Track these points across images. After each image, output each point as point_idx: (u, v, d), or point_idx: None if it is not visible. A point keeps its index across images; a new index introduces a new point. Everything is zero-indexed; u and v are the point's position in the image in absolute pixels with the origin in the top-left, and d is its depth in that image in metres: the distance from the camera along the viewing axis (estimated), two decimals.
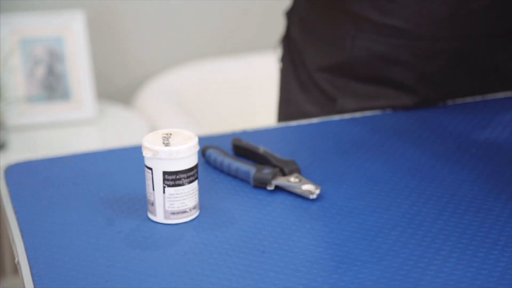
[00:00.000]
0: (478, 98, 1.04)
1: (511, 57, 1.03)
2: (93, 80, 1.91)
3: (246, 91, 2.06)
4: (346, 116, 1.02)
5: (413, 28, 0.98)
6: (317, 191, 0.81)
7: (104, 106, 1.92)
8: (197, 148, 0.79)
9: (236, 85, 2.05)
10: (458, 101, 1.04)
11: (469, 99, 1.04)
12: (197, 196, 0.79)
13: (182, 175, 0.77)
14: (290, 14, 1.13)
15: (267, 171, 0.84)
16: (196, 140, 0.79)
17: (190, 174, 0.78)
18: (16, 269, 0.75)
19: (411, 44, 1.00)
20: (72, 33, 1.84)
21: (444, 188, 0.82)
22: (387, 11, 0.98)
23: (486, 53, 1.01)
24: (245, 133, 0.97)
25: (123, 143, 1.71)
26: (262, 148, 0.89)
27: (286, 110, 1.13)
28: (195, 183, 0.79)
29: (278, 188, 0.83)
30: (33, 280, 0.69)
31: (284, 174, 0.85)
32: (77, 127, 1.84)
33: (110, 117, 1.88)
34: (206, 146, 0.91)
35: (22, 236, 0.76)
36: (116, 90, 2.05)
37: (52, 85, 1.85)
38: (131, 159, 0.90)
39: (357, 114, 1.02)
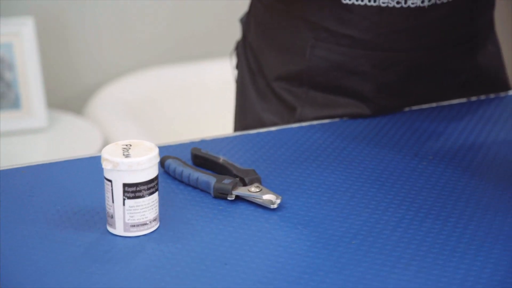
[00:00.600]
0: (434, 105, 1.05)
1: (467, 64, 1.05)
2: (44, 88, 1.87)
3: (201, 99, 2.05)
4: (305, 124, 1.02)
5: (371, 38, 1.00)
6: (278, 201, 0.81)
7: (55, 115, 1.88)
8: (157, 159, 0.78)
9: (191, 93, 2.04)
10: (414, 108, 1.05)
11: (425, 106, 1.05)
12: (157, 207, 0.78)
13: (142, 187, 0.76)
14: (247, 20, 1.13)
15: (227, 181, 0.84)
16: (156, 151, 0.78)
17: (150, 186, 0.77)
18: None
19: (369, 54, 1.01)
20: (21, 40, 1.81)
21: (403, 195, 0.83)
22: (346, 21, 0.99)
23: (443, 62, 1.03)
24: (203, 142, 0.97)
25: (74, 153, 1.69)
26: (222, 158, 0.89)
27: (244, 119, 1.13)
28: (156, 195, 0.78)
29: (238, 198, 0.83)
30: None
31: (244, 184, 0.84)
32: (27, 136, 1.80)
33: (62, 126, 1.84)
34: (165, 156, 0.90)
35: None
36: (68, 99, 2.02)
37: (1, 93, 1.81)
38: (88, 170, 0.89)
39: (316, 122, 1.03)
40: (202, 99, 2.05)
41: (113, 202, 0.77)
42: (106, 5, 2.02)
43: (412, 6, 0.97)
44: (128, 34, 2.05)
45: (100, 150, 1.71)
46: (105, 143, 1.75)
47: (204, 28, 2.12)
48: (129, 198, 0.76)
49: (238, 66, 1.16)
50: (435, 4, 0.97)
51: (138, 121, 1.87)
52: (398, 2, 0.97)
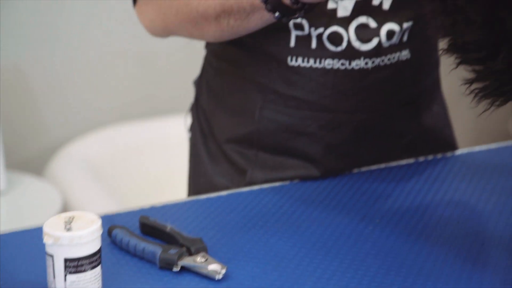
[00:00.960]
0: (383, 166, 1.07)
1: (412, 125, 1.07)
2: (2, 148, 1.86)
3: (162, 155, 2.05)
4: (255, 187, 1.03)
5: (317, 99, 1.01)
6: (223, 271, 0.81)
7: (14, 176, 1.86)
8: (100, 231, 0.77)
9: (152, 150, 2.04)
10: (363, 169, 1.06)
11: (374, 167, 1.06)
12: (100, 282, 0.77)
13: (84, 261, 0.76)
14: (199, 83, 1.15)
15: (173, 251, 0.83)
16: (99, 223, 0.77)
17: (93, 260, 0.76)
18: None
19: (316, 116, 1.02)
20: None
21: (348, 262, 0.83)
22: (293, 83, 1.01)
23: (387, 123, 1.04)
24: (153, 209, 0.96)
25: (33, 217, 1.67)
26: (169, 226, 0.89)
27: (196, 181, 1.13)
28: (98, 268, 0.77)
29: (184, 269, 0.82)
30: None
31: (190, 253, 0.84)
32: None
33: (21, 189, 1.82)
34: (112, 226, 0.90)
35: None
36: (27, 159, 2.00)
37: None
38: (34, 242, 0.88)
39: (266, 185, 1.03)
40: (166, 156, 2.05)
41: (54, 277, 0.76)
42: (66, 64, 2.03)
43: (356, 68, 0.99)
44: (89, 91, 2.06)
45: (59, 213, 1.70)
46: (65, 205, 1.74)
47: (166, 84, 2.13)
48: (70, 273, 0.75)
49: (191, 129, 1.16)
50: (378, 66, 0.99)
51: (100, 181, 1.86)
52: (342, 64, 0.99)
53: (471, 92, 0.74)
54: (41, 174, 1.97)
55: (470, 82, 0.74)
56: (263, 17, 0.87)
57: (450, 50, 0.75)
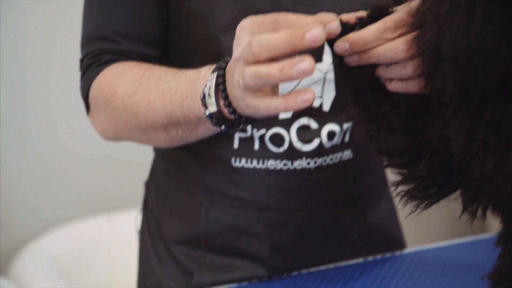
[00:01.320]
0: (331, 265, 1.05)
1: (357, 224, 1.06)
2: None
3: (130, 250, 2.02)
4: None
5: (261, 199, 1.01)
6: None
7: None
8: None
9: (119, 245, 2.02)
10: (312, 270, 1.05)
11: (322, 267, 1.05)
12: None
13: None
14: (148, 185, 1.15)
15: None
16: None
17: None
18: None
19: (261, 215, 1.02)
20: None
21: None
22: (238, 184, 1.01)
23: (333, 221, 1.04)
24: None
25: None
26: None
27: (145, 283, 1.12)
28: None
29: None
30: None
31: None
32: None
33: None
34: None
35: None
36: None
37: None
38: None
39: None
40: (133, 251, 2.03)
41: None
42: (28, 159, 2.03)
43: (299, 168, 0.99)
44: (52, 187, 2.05)
45: None
46: None
47: (132, 177, 2.13)
48: None
49: (140, 230, 1.16)
50: (320, 166, 1.00)
51: (66, 280, 1.83)
52: (285, 164, 0.99)
53: (398, 194, 0.75)
54: (5, 273, 1.93)
55: (396, 184, 0.75)
56: (209, 128, 0.88)
57: (376, 154, 0.76)
